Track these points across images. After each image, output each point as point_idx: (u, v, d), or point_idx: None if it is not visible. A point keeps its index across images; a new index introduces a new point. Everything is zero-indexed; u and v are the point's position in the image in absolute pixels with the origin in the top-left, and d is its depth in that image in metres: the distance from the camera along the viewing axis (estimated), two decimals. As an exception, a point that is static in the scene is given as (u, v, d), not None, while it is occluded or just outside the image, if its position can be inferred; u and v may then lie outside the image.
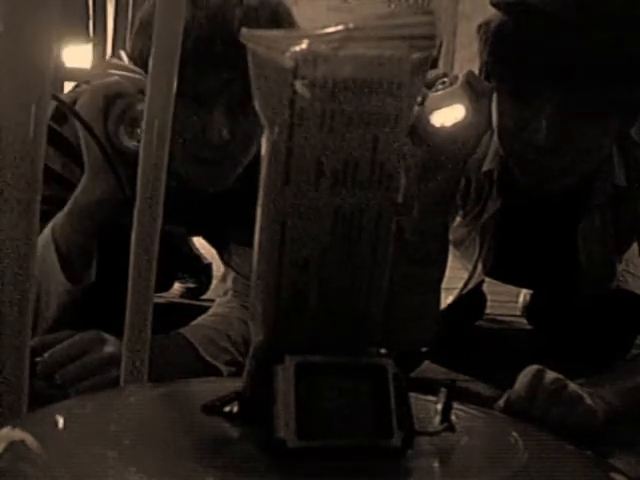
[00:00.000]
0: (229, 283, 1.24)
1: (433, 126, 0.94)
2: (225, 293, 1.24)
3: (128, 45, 1.12)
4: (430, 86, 0.96)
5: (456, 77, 0.97)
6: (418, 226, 1.03)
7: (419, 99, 0.94)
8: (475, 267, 1.28)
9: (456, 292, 1.33)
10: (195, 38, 0.99)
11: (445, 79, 0.96)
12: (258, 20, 1.03)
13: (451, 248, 1.27)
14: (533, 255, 1.31)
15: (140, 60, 1.03)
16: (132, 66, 1.03)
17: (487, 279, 1.63)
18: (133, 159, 0.98)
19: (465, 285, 1.32)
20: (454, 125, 0.95)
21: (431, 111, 0.94)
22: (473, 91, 0.96)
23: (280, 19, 1.06)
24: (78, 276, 1.06)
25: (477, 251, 1.26)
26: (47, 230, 1.03)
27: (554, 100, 1.01)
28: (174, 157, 1.06)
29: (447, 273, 1.12)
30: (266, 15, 1.05)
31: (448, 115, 0.94)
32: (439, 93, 0.95)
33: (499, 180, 1.17)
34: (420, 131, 0.95)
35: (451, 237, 1.28)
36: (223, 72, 1.02)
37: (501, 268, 1.31)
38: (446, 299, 1.29)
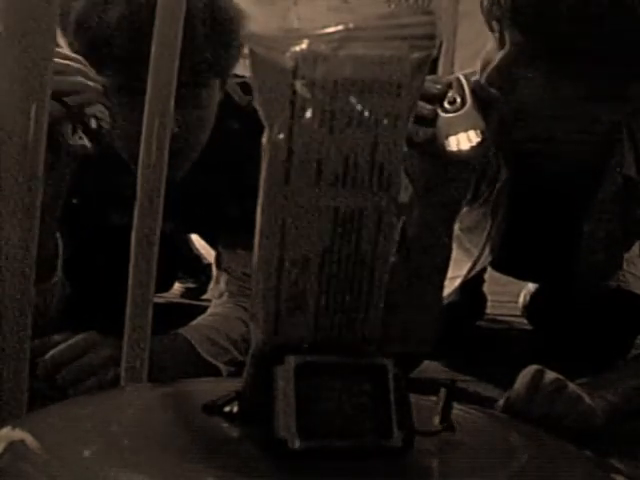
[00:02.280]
0: (222, 285, 1.24)
1: (450, 150, 0.94)
2: (220, 295, 1.23)
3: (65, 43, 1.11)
4: (438, 99, 0.96)
5: (460, 86, 0.96)
6: (422, 235, 1.03)
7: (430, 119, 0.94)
8: (483, 248, 1.27)
9: (459, 280, 1.32)
10: (130, 32, 0.99)
11: (455, 96, 0.96)
12: (196, 14, 1.03)
13: (459, 237, 1.27)
14: (539, 243, 1.30)
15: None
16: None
17: (487, 280, 1.63)
18: (77, 157, 0.97)
19: (471, 268, 1.31)
20: (471, 149, 0.95)
21: (446, 136, 0.94)
22: (483, 107, 0.96)
23: (219, 11, 1.07)
24: (40, 275, 1.05)
25: (487, 231, 1.25)
26: None
27: (509, 42, 1.00)
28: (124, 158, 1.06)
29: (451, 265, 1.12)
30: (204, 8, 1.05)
31: (464, 140, 0.95)
32: (452, 116, 0.95)
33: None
34: (435, 152, 0.95)
35: (462, 225, 1.27)
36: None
37: (507, 255, 1.30)
38: (450, 287, 1.29)
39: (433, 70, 1.40)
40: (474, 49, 1.04)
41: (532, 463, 0.49)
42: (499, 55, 1.00)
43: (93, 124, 0.96)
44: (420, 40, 0.45)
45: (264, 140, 0.45)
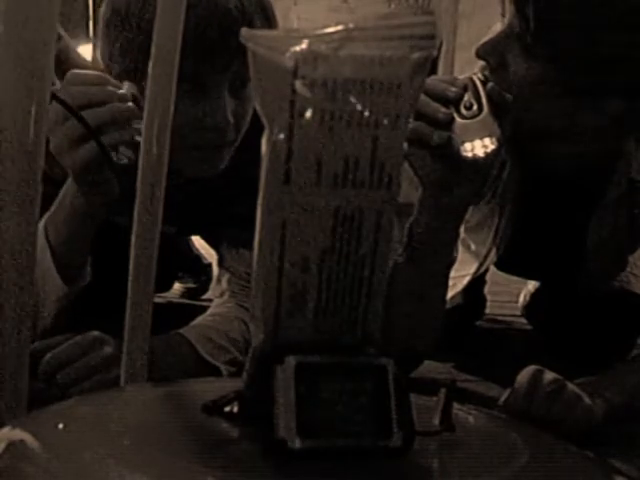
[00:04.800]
0: (224, 284, 1.24)
1: (465, 156, 0.95)
2: (221, 294, 1.24)
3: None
4: (454, 103, 0.96)
5: (476, 90, 0.97)
6: (430, 235, 1.03)
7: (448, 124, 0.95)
8: (491, 246, 1.27)
9: (466, 279, 1.33)
10: (193, 25, 0.99)
11: (472, 101, 0.96)
12: (251, 5, 1.06)
13: (463, 238, 1.27)
14: (545, 243, 1.30)
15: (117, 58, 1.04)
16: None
17: (488, 280, 1.63)
18: (123, 168, 0.98)
19: (479, 267, 1.31)
20: (485, 155, 0.95)
21: (461, 142, 0.95)
22: (498, 112, 0.96)
23: (266, 7, 1.10)
24: (74, 277, 1.06)
25: (493, 230, 1.25)
26: (39, 233, 1.02)
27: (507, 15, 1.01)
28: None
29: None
30: (257, 1, 1.07)
31: (479, 147, 0.95)
32: (468, 122, 0.95)
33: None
34: (448, 156, 0.96)
35: (466, 224, 1.28)
36: (223, 56, 1.02)
37: (511, 254, 1.30)
38: (456, 287, 1.29)
39: (433, 70, 1.40)
40: (473, 50, 1.05)
41: (532, 463, 0.49)
42: (498, 28, 1.01)
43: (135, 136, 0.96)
44: (420, 40, 0.45)
45: (264, 140, 0.45)
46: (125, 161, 0.94)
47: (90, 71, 1.02)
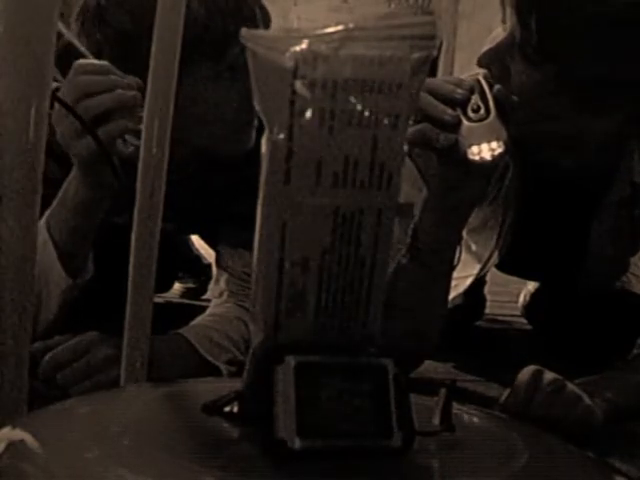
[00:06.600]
0: (222, 284, 1.24)
1: (472, 159, 0.95)
2: (220, 294, 1.24)
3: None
4: (461, 105, 0.96)
5: (483, 92, 0.97)
6: (435, 236, 1.03)
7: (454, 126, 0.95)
8: (495, 248, 1.27)
9: (469, 280, 1.33)
10: (223, 18, 1.03)
11: (478, 104, 0.96)
12: None
13: (464, 239, 1.28)
14: (546, 244, 1.31)
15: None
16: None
17: (488, 280, 1.63)
18: (125, 160, 0.98)
19: (482, 269, 1.31)
20: (492, 158, 0.95)
21: (468, 145, 0.94)
22: (504, 115, 0.96)
23: None
24: (78, 270, 1.07)
25: (496, 231, 1.25)
26: (42, 228, 1.02)
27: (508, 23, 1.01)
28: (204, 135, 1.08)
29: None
30: None
31: (486, 150, 0.95)
32: (475, 126, 0.95)
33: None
34: (455, 158, 0.96)
35: (468, 226, 1.28)
36: None
37: (512, 255, 1.31)
38: (459, 287, 1.29)
39: (433, 70, 1.40)
40: (474, 51, 1.05)
41: (532, 463, 0.49)
42: (500, 36, 1.00)
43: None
44: (420, 40, 0.45)
45: (264, 140, 0.45)
46: (132, 149, 0.94)
47: (95, 61, 1.02)
